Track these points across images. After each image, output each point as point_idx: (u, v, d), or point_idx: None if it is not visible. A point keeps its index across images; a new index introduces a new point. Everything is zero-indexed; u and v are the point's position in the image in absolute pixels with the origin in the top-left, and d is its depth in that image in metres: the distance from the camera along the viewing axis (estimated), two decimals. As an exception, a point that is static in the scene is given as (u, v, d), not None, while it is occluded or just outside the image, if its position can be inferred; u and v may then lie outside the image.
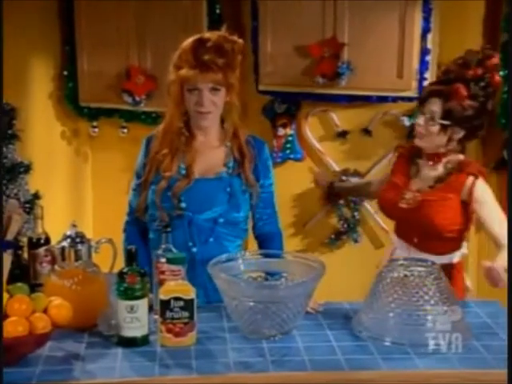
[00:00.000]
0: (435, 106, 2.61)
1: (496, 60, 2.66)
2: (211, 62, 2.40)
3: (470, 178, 2.63)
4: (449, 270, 2.64)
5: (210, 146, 2.56)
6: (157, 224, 2.51)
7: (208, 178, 2.51)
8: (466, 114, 2.60)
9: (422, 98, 2.69)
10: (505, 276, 2.27)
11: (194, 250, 2.49)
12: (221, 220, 2.51)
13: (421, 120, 2.64)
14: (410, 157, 2.77)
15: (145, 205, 2.54)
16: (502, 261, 2.33)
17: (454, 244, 2.72)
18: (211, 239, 2.51)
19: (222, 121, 2.57)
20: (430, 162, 2.69)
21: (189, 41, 2.45)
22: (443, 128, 2.61)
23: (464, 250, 2.81)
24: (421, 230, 2.67)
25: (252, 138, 2.61)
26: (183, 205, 2.48)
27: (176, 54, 2.47)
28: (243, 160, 2.54)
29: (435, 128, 2.62)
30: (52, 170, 4.50)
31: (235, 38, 2.45)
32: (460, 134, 2.64)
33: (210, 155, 2.55)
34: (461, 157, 2.69)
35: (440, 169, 2.69)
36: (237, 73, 2.49)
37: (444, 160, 2.68)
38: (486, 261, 2.30)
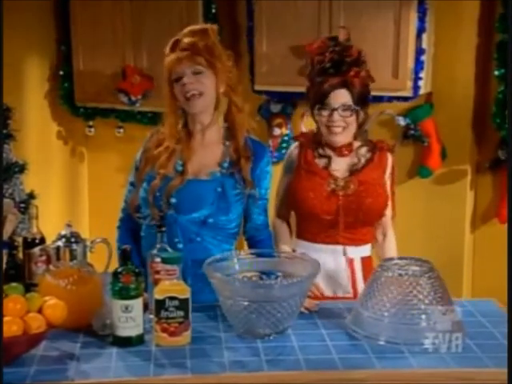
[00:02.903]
0: (344, 97, 2.54)
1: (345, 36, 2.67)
2: (188, 45, 2.42)
3: (389, 155, 2.63)
4: (368, 263, 2.66)
5: (206, 145, 2.54)
6: (147, 222, 2.50)
7: (200, 179, 2.49)
8: (367, 90, 2.60)
9: (322, 96, 2.54)
10: None
11: (180, 246, 2.46)
12: (208, 221, 2.47)
13: (335, 116, 2.53)
14: (311, 148, 2.67)
15: (137, 202, 2.53)
16: None
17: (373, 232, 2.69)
18: (194, 240, 2.48)
19: (224, 120, 2.56)
20: (346, 152, 2.61)
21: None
22: (355, 115, 2.57)
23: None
24: (357, 217, 2.58)
25: (253, 141, 2.58)
26: (172, 203, 2.45)
27: None
28: (239, 160, 2.50)
29: (352, 118, 2.56)
30: (48, 170, 4.51)
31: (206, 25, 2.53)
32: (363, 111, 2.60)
33: (206, 155, 2.53)
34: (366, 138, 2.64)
35: (354, 157, 2.62)
36: (227, 65, 2.49)
37: (355, 146, 2.62)
38: None
